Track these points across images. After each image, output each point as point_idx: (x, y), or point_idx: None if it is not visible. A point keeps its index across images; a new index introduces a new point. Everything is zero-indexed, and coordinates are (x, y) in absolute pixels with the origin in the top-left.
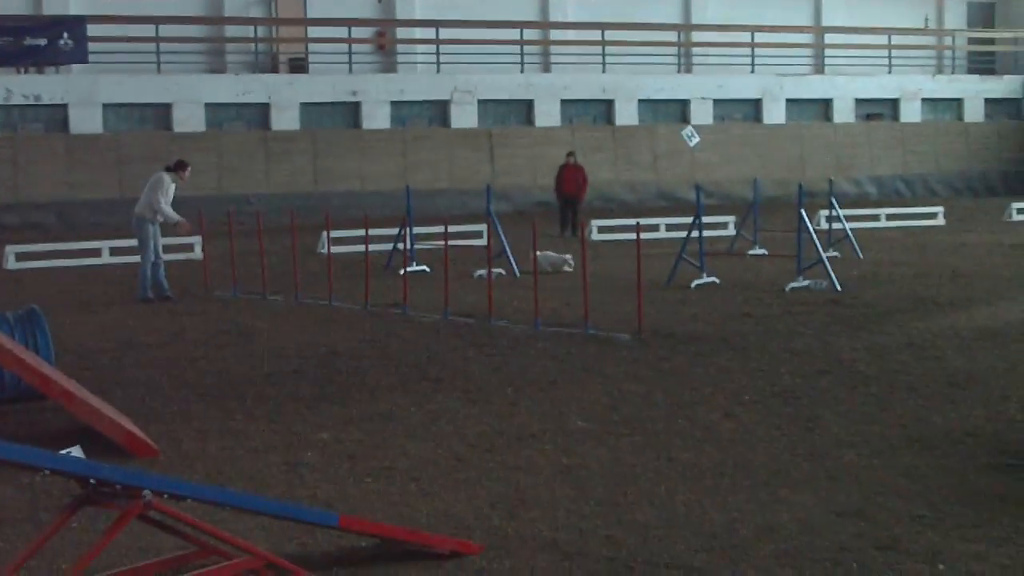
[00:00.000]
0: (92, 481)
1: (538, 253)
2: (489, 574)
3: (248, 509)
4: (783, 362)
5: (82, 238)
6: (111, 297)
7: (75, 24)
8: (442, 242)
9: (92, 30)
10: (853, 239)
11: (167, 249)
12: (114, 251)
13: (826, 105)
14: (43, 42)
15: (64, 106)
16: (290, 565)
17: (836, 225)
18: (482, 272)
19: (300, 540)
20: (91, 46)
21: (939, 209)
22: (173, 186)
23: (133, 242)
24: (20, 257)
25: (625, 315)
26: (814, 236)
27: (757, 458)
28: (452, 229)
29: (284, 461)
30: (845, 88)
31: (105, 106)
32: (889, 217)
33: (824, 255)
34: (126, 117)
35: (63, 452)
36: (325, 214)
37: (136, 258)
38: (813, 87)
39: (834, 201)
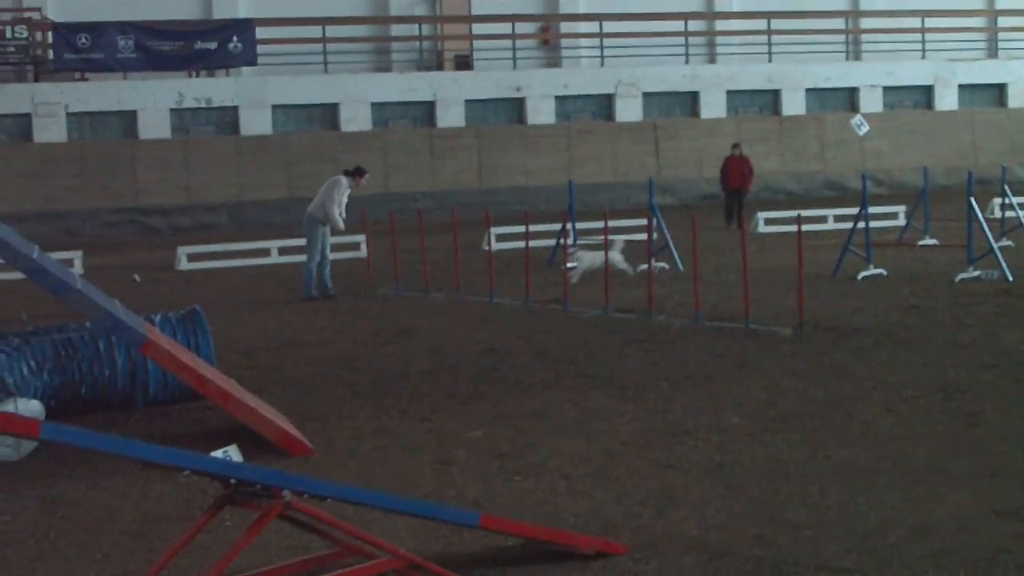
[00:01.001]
0: (232, 481)
1: (576, 252)
2: (634, 575)
3: (388, 509)
4: (948, 355)
5: (252, 238)
6: (277, 296)
7: (244, 27)
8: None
9: (260, 32)
10: None
11: (336, 247)
12: (283, 251)
13: (1000, 90)
14: (213, 46)
15: (234, 108)
16: (432, 565)
17: (1010, 213)
18: (643, 267)
19: (446, 540)
20: (259, 48)
21: None
22: (348, 191)
23: (302, 241)
24: (191, 258)
25: (788, 309)
26: (984, 225)
27: (916, 455)
28: (615, 223)
29: (435, 459)
30: (1020, 72)
31: (274, 107)
32: None
33: (996, 244)
34: (294, 118)
35: (220, 451)
36: (488, 210)
37: (304, 257)
38: (986, 72)
39: (1007, 188)
